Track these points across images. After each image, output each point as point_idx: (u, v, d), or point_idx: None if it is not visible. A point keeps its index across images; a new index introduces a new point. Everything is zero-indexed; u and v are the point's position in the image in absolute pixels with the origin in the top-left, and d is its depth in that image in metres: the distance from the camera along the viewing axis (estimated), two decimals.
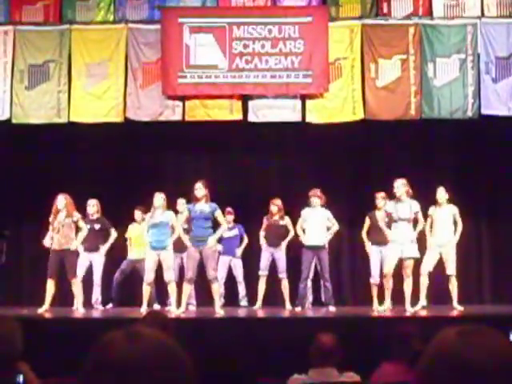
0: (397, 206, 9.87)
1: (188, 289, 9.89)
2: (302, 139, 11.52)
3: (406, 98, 10.88)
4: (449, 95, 10.81)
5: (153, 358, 1.31)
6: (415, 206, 9.85)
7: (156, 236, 10.26)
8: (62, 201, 10.18)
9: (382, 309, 9.87)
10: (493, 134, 10.98)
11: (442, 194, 10.08)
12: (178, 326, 5.58)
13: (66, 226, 10.16)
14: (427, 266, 9.98)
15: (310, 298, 10.90)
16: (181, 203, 10.76)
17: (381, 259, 10.60)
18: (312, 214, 10.32)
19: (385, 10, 11.07)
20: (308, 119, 10.95)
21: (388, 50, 10.93)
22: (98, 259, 10.83)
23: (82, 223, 10.33)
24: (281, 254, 10.74)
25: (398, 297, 9.96)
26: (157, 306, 10.56)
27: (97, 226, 10.80)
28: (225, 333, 8.32)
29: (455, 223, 10.08)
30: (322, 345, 4.90)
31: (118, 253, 11.14)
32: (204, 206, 9.84)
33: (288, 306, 10.48)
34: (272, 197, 10.81)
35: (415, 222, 9.91)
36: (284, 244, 10.77)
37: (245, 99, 11.07)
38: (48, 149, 11.53)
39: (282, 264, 10.69)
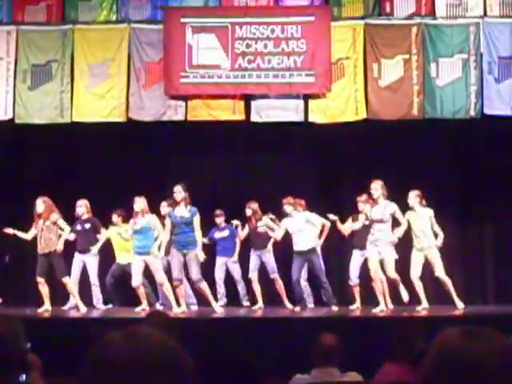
0: (372, 208, 9.89)
1: (179, 289, 9.88)
2: (305, 139, 11.51)
3: (408, 97, 10.86)
4: (451, 95, 10.79)
5: (152, 357, 1.31)
6: (391, 207, 9.80)
7: (139, 242, 10.26)
8: (40, 205, 10.17)
9: (379, 309, 9.84)
10: (495, 134, 10.97)
11: (411, 198, 10.03)
12: (181, 326, 5.58)
13: (46, 230, 10.15)
14: (415, 271, 9.95)
15: (310, 297, 10.90)
16: (163, 206, 10.72)
17: (362, 263, 10.59)
18: (291, 222, 10.36)
19: (387, 10, 11.06)
20: (311, 119, 10.94)
21: (390, 50, 10.92)
22: (90, 260, 10.76)
23: (62, 222, 10.25)
24: (268, 256, 10.77)
25: (399, 298, 9.96)
26: (159, 306, 10.56)
27: (87, 226, 10.73)
28: (226, 333, 8.32)
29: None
30: (325, 345, 4.90)
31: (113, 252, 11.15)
32: (184, 212, 9.85)
33: (287, 304, 10.51)
34: (269, 197, 10.83)
35: (396, 223, 9.88)
36: (269, 245, 10.75)
37: (247, 99, 11.07)
38: (51, 149, 11.54)
39: (270, 265, 10.74)
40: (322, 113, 10.97)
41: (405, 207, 9.99)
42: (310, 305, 10.78)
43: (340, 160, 11.80)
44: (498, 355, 1.36)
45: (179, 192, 9.88)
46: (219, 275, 11.00)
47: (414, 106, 10.82)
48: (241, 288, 11.08)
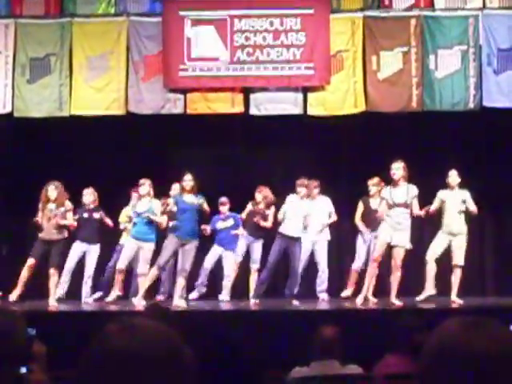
0: (392, 190, 9.57)
1: (155, 275, 9.82)
2: (304, 132, 11.50)
3: (407, 90, 10.85)
4: (450, 87, 10.79)
5: (152, 349, 1.31)
6: (413, 190, 9.53)
7: (139, 226, 10.18)
8: (52, 190, 10.06)
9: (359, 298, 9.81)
10: (494, 126, 10.97)
11: (454, 177, 9.83)
12: (181, 319, 5.59)
13: (59, 217, 10.05)
14: (434, 252, 9.71)
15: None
16: (175, 188, 10.63)
17: (368, 247, 10.59)
18: (295, 204, 10.08)
19: (386, 2, 11.05)
20: (309, 112, 10.93)
21: (389, 42, 10.91)
22: (94, 251, 10.61)
23: (70, 215, 10.17)
24: (258, 246, 10.68)
25: (400, 288, 9.93)
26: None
27: (96, 215, 10.64)
28: (226, 325, 8.32)
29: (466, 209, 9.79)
30: (324, 337, 4.90)
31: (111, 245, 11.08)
32: (193, 198, 9.82)
33: (252, 298, 10.35)
34: (271, 188, 10.80)
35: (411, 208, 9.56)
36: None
37: (246, 92, 11.06)
38: (50, 142, 11.54)
39: (256, 255, 10.65)
40: (321, 106, 10.97)
41: None
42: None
43: (339, 153, 11.80)
44: (498, 345, 1.36)
45: (189, 180, 9.86)
46: (209, 264, 10.84)
47: (413, 98, 10.82)
48: (226, 282, 10.83)
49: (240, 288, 10.85)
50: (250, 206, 10.82)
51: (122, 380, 1.28)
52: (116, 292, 10.31)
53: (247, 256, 10.83)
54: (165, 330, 1.38)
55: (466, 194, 9.85)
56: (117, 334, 1.35)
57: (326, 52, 10.87)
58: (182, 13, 10.94)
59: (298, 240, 10.08)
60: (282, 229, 10.05)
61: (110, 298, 10.22)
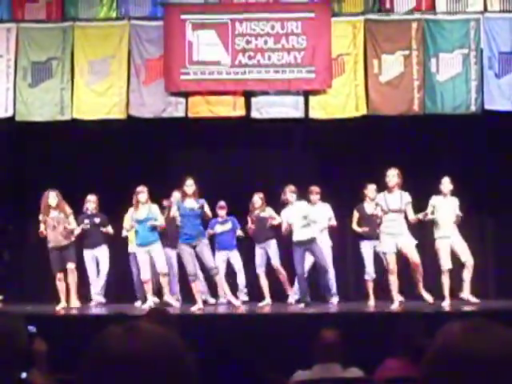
0: (387, 197, 9.70)
1: (196, 284, 9.89)
2: (305, 135, 11.51)
3: (408, 93, 10.86)
4: (452, 90, 10.79)
5: (152, 352, 1.31)
6: (406, 197, 9.66)
7: (142, 233, 10.21)
8: (53, 198, 10.16)
9: (394, 306, 9.72)
10: (496, 129, 10.97)
11: (446, 184, 9.95)
12: (182, 323, 5.58)
13: (62, 223, 10.13)
14: (446, 261, 9.83)
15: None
16: (175, 196, 10.64)
17: (373, 253, 10.57)
18: (291, 211, 10.17)
19: (387, 6, 11.06)
20: (311, 116, 10.94)
21: (391, 46, 10.91)
22: (104, 254, 10.72)
23: (72, 219, 10.28)
24: (272, 247, 10.70)
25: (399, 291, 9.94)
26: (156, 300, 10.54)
27: (97, 220, 10.70)
28: (227, 329, 8.32)
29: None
30: (325, 340, 4.90)
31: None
32: (193, 204, 9.85)
33: (290, 296, 10.54)
34: (269, 192, 10.81)
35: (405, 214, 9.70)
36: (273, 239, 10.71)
37: (247, 96, 11.06)
38: (51, 146, 11.54)
39: (273, 255, 10.68)
40: (323, 109, 10.97)
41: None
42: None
43: (340, 156, 11.79)
44: (501, 348, 1.36)
45: (191, 185, 9.89)
46: (222, 271, 10.91)
47: (415, 101, 10.82)
48: (241, 279, 10.89)
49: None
50: (249, 219, 10.88)
51: (121, 383, 1.28)
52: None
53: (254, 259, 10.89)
54: (166, 333, 1.38)
55: (457, 201, 9.99)
56: (117, 337, 1.35)
57: (327, 55, 10.87)
58: (183, 16, 10.96)
59: (313, 241, 10.10)
60: (295, 237, 10.11)
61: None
